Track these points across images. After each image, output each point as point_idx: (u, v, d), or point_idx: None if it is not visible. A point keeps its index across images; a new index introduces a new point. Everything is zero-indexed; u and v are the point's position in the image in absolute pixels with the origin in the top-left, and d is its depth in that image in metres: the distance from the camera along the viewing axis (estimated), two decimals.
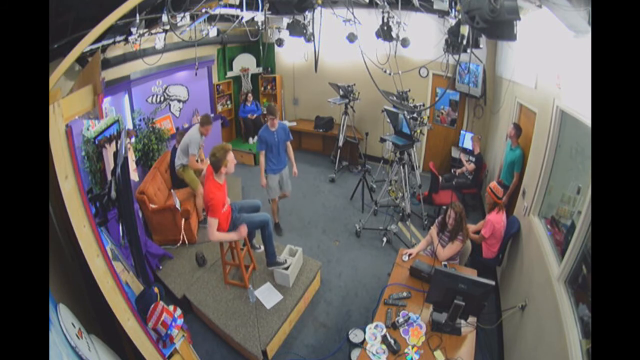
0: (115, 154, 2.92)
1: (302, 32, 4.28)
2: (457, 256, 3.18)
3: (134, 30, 3.46)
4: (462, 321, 2.43)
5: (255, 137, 7.06)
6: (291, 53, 6.88)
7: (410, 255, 3.18)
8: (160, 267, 3.84)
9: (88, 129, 3.28)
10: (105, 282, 1.62)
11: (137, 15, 2.96)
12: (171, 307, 2.32)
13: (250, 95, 7.00)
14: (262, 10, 3.36)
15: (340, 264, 4.21)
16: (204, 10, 3.27)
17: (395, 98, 4.56)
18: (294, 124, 7.19)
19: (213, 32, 4.56)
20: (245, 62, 7.09)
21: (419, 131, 4.25)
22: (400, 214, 4.75)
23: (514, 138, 3.90)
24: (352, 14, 3.65)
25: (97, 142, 3.20)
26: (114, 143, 3.14)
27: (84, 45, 1.49)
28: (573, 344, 1.80)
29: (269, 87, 7.46)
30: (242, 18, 3.89)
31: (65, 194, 1.40)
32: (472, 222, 3.75)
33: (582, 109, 2.16)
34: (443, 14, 4.10)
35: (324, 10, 3.87)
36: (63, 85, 2.21)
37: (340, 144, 6.17)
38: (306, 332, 3.33)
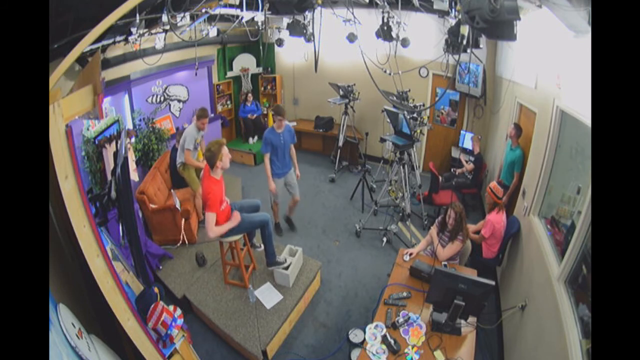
0: (115, 154, 2.92)
1: (302, 32, 4.27)
2: (457, 256, 3.18)
3: (134, 30, 3.46)
4: (462, 321, 2.43)
5: (256, 137, 7.15)
6: (291, 53, 6.88)
7: (410, 254, 3.18)
8: (160, 267, 3.84)
9: (88, 129, 3.28)
10: (105, 282, 1.62)
11: (137, 15, 2.96)
12: (171, 307, 2.32)
13: (250, 95, 7.01)
14: (262, 10, 3.36)
15: (340, 264, 4.21)
16: (204, 10, 3.27)
17: (395, 98, 4.56)
18: (294, 124, 7.18)
19: (213, 32, 4.56)
20: (245, 62, 7.09)
21: (419, 131, 4.25)
22: (400, 214, 4.75)
23: (515, 138, 3.90)
24: (352, 14, 3.65)
25: (97, 142, 3.20)
26: (114, 143, 3.14)
27: (84, 45, 1.49)
28: (573, 344, 1.80)
29: (269, 87, 7.46)
30: (242, 18, 3.89)
31: (65, 194, 1.40)
32: (472, 222, 3.75)
33: (582, 109, 2.16)
34: (443, 14, 4.10)
35: (324, 10, 3.87)
36: (63, 85, 2.21)
37: (340, 144, 6.17)
38: (306, 332, 3.33)
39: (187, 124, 6.06)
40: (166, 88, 5.76)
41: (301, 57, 6.80)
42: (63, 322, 1.35)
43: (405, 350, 2.28)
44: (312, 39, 4.25)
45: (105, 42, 3.63)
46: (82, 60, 3.24)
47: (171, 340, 2.19)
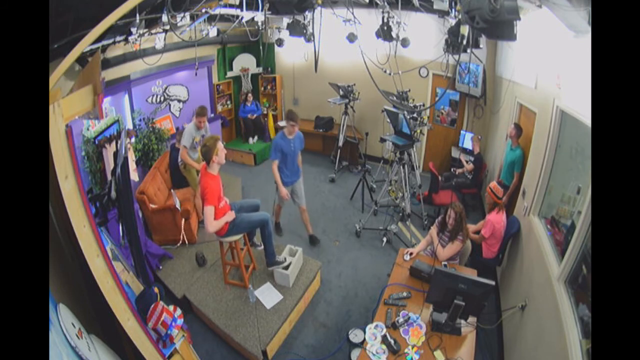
0: (115, 154, 2.92)
1: (302, 32, 4.27)
2: (457, 256, 3.18)
3: (134, 30, 3.46)
4: (462, 321, 2.43)
5: (256, 137, 7.15)
6: (291, 53, 6.88)
7: (411, 254, 3.18)
8: (160, 267, 3.84)
9: (88, 129, 3.28)
10: (105, 282, 1.62)
11: (137, 15, 2.96)
12: (171, 307, 2.32)
13: (250, 95, 7.00)
14: (262, 10, 3.35)
15: (340, 264, 4.21)
16: (204, 10, 3.27)
17: (395, 98, 4.56)
18: None
19: (213, 32, 4.56)
20: (245, 62, 7.09)
21: (419, 131, 4.25)
22: (400, 214, 4.75)
23: (515, 138, 3.90)
24: (352, 14, 3.65)
25: (97, 142, 3.20)
26: (114, 143, 3.14)
27: (84, 45, 1.49)
28: (573, 344, 1.80)
29: (269, 87, 7.46)
30: (242, 18, 3.89)
31: (65, 194, 1.40)
32: (472, 222, 3.75)
33: (582, 109, 2.16)
34: (443, 14, 4.10)
35: (324, 10, 3.87)
36: (63, 85, 2.21)
37: (340, 144, 6.17)
38: (306, 332, 3.33)
39: (186, 123, 6.06)
40: (166, 88, 5.76)
41: (301, 57, 6.80)
42: (63, 322, 1.35)
43: (405, 350, 2.28)
44: (312, 39, 4.25)
45: (105, 42, 3.63)
46: (82, 60, 3.24)
47: (171, 340, 2.19)
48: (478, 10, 1.87)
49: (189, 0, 2.93)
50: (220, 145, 2.89)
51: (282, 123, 7.22)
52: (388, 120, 4.73)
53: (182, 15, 3.32)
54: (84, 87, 1.66)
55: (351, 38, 4.31)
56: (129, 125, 5.01)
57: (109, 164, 3.01)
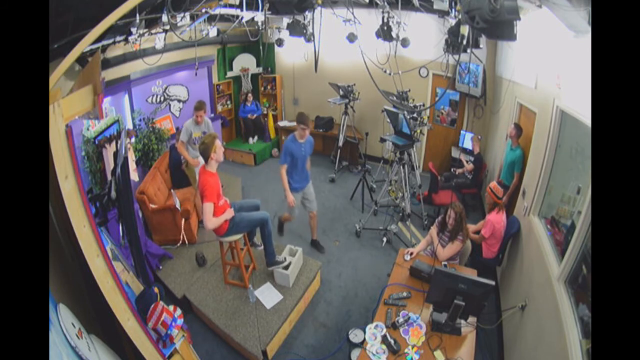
0: (115, 154, 2.92)
1: (302, 32, 4.27)
2: (457, 256, 3.18)
3: (134, 30, 3.46)
4: (462, 321, 2.43)
5: (256, 137, 7.15)
6: (291, 53, 6.88)
7: (411, 254, 3.18)
8: (160, 267, 3.84)
9: (88, 129, 3.28)
10: (105, 282, 1.62)
11: (137, 15, 2.96)
12: (171, 307, 2.32)
13: (250, 95, 7.00)
14: (262, 10, 3.35)
15: (340, 264, 4.21)
16: (204, 10, 3.27)
17: (395, 98, 4.56)
18: (294, 124, 7.18)
19: (213, 32, 4.56)
20: (245, 62, 7.09)
21: (419, 131, 4.25)
22: (400, 214, 4.75)
23: (515, 138, 3.90)
24: (352, 14, 3.65)
25: (97, 142, 3.20)
26: (114, 143, 3.14)
27: (84, 45, 1.49)
28: (573, 344, 1.80)
29: (269, 87, 7.46)
30: (242, 18, 3.89)
31: (65, 194, 1.40)
32: (472, 222, 3.75)
33: (582, 109, 2.15)
34: (443, 14, 4.10)
35: (324, 10, 3.86)
36: (63, 85, 2.21)
37: (340, 144, 6.17)
38: (306, 332, 3.33)
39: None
40: (166, 88, 5.76)
41: (301, 57, 6.80)
42: (63, 322, 1.35)
43: (405, 350, 2.28)
44: (312, 39, 4.25)
45: (105, 42, 3.63)
46: (82, 60, 3.24)
47: (171, 340, 2.19)
48: (478, 10, 1.87)
49: (189, 0, 2.94)
50: (218, 143, 2.92)
51: (282, 123, 7.25)
52: (388, 120, 4.73)
53: (182, 15, 3.32)
54: (84, 87, 1.66)
55: (351, 38, 4.31)
56: (129, 125, 5.01)
57: (109, 164, 3.01)
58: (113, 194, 2.53)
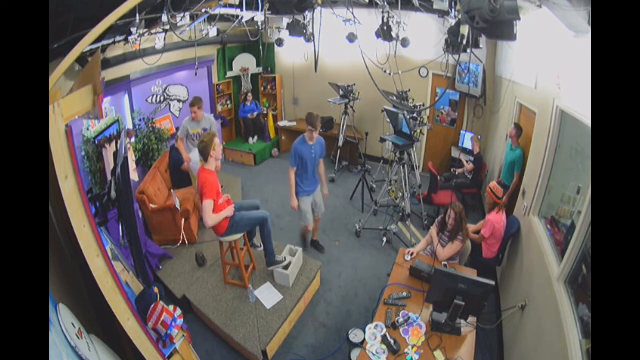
0: (115, 154, 2.93)
1: (302, 32, 4.27)
2: (457, 256, 3.18)
3: (134, 30, 3.46)
4: (462, 321, 2.43)
5: (256, 137, 7.15)
6: (291, 53, 6.88)
7: (412, 254, 3.18)
8: (160, 267, 3.84)
9: (88, 129, 3.28)
10: (105, 282, 1.62)
11: (137, 15, 2.96)
12: (171, 307, 2.32)
13: (250, 94, 7.00)
14: (262, 10, 3.35)
15: (340, 264, 4.21)
16: (204, 10, 3.27)
17: (395, 98, 4.56)
18: (294, 124, 7.19)
19: (213, 32, 4.56)
20: (245, 62, 7.09)
21: (419, 131, 4.25)
22: (400, 214, 4.75)
23: (515, 138, 3.90)
24: (352, 14, 3.65)
25: (97, 142, 3.21)
26: (114, 143, 3.14)
27: (84, 45, 1.48)
28: (573, 344, 1.80)
29: (269, 87, 7.46)
30: (242, 18, 3.89)
31: (65, 194, 1.40)
32: (472, 222, 3.75)
33: (582, 109, 2.15)
34: (443, 14, 4.10)
35: (324, 10, 3.86)
36: (63, 85, 2.21)
37: (340, 144, 6.18)
38: (306, 332, 3.33)
39: None
40: (166, 88, 5.76)
41: (301, 57, 6.80)
42: (63, 322, 1.35)
43: (405, 350, 2.28)
44: (312, 39, 4.25)
45: (105, 42, 3.63)
46: (82, 60, 3.24)
47: (171, 340, 2.20)
48: (478, 10, 1.87)
49: (189, 0, 2.94)
50: (217, 141, 2.94)
51: (282, 123, 7.25)
52: (388, 120, 4.73)
53: (182, 15, 3.32)
54: (84, 87, 1.66)
55: (351, 38, 4.31)
56: (129, 125, 5.01)
57: (109, 164, 3.01)
58: (113, 194, 2.53)
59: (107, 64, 4.30)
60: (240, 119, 7.16)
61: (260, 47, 6.84)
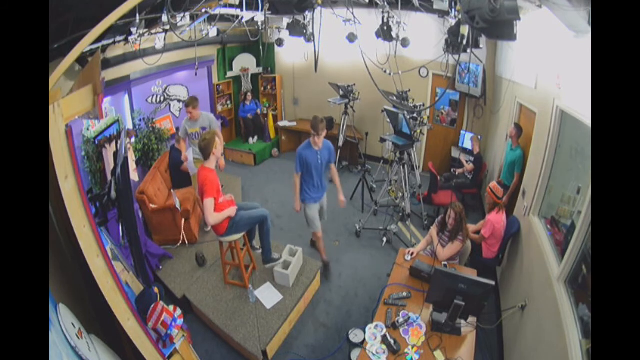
0: (115, 154, 2.93)
1: (302, 32, 4.27)
2: (457, 256, 3.18)
3: (134, 30, 3.47)
4: (462, 321, 2.43)
5: (256, 137, 7.15)
6: (291, 53, 6.88)
7: (412, 254, 3.18)
8: (160, 267, 3.84)
9: (88, 129, 3.29)
10: (105, 282, 1.62)
11: (137, 15, 2.97)
12: (171, 307, 2.32)
13: (249, 94, 7.00)
14: (262, 10, 3.35)
15: (340, 264, 4.21)
16: (204, 10, 3.27)
17: (395, 98, 4.56)
18: (294, 124, 7.19)
19: (213, 32, 4.56)
20: (245, 62, 7.09)
21: (419, 131, 4.25)
22: (400, 214, 4.75)
23: (515, 138, 3.90)
24: (352, 14, 3.65)
25: (97, 142, 3.21)
26: (114, 143, 3.14)
27: (84, 45, 1.49)
28: (573, 344, 1.80)
29: (269, 87, 7.46)
30: (242, 18, 3.89)
31: (65, 194, 1.40)
32: (472, 222, 3.75)
33: (582, 109, 2.16)
34: (443, 14, 4.10)
35: (324, 10, 3.87)
36: (63, 85, 2.21)
37: (340, 144, 6.17)
38: (306, 332, 3.33)
39: None
40: (166, 88, 5.76)
41: (301, 57, 6.80)
42: (63, 322, 1.35)
43: (405, 350, 2.28)
44: (312, 39, 4.25)
45: (105, 42, 3.63)
46: (82, 60, 3.24)
47: (171, 340, 2.19)
48: (478, 10, 1.87)
49: (189, 0, 2.94)
50: (217, 139, 2.95)
51: (282, 123, 7.25)
52: (388, 120, 4.73)
53: (182, 15, 3.32)
54: (84, 87, 1.66)
55: (351, 38, 4.31)
56: (129, 125, 5.01)
57: (109, 164, 3.02)
58: (113, 194, 2.53)
59: (107, 64, 4.30)
60: (240, 119, 7.16)
61: (260, 47, 6.84)
